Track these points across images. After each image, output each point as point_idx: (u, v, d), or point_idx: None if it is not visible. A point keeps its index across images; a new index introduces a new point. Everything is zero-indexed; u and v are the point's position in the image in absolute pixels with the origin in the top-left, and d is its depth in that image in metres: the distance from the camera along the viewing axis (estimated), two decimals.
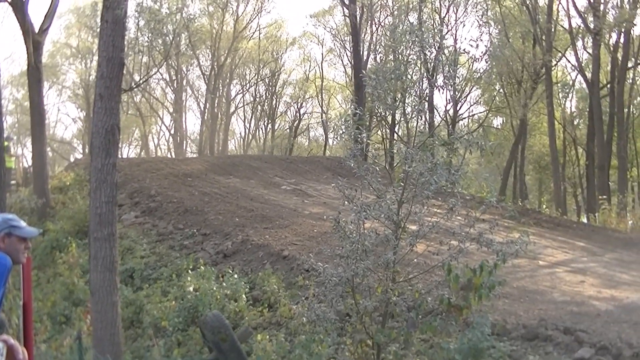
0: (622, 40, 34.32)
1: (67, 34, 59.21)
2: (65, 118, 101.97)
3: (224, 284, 13.30)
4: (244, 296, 13.03)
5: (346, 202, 9.31)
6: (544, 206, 37.93)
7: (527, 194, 41.79)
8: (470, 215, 9.15)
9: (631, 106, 39.30)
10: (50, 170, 32.04)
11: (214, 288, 13.06)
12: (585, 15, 33.40)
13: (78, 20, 56.16)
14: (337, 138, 48.89)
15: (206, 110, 55.62)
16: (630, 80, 37.92)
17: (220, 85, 55.87)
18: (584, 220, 30.69)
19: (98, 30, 14.12)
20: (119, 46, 11.82)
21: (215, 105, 55.23)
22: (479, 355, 8.06)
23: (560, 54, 39.36)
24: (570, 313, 10.44)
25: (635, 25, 33.64)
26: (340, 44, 50.76)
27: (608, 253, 16.90)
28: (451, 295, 8.63)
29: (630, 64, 35.81)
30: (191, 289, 13.35)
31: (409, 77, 9.85)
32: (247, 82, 57.17)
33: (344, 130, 9.61)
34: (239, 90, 58.74)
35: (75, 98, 61.62)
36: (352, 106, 9.81)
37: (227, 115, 57.63)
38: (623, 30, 32.72)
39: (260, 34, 55.35)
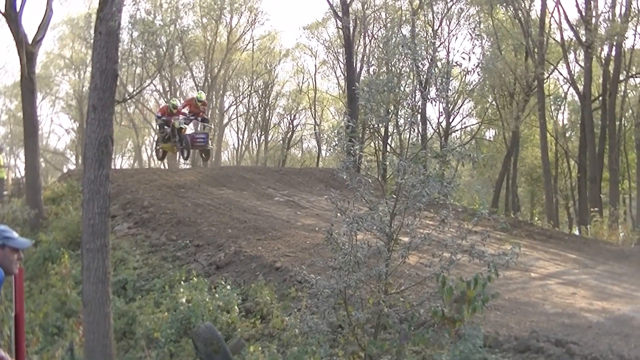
0: (613, 53, 34.49)
1: (61, 45, 59.25)
2: (59, 129, 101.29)
3: (217, 296, 13.29)
4: (236, 308, 13.03)
5: (339, 214, 9.34)
6: (536, 218, 38.02)
7: (519, 206, 41.85)
8: (462, 227, 9.19)
9: (623, 119, 39.41)
10: (43, 181, 31.94)
11: (207, 299, 13.04)
12: (577, 28, 33.55)
13: (72, 31, 56.22)
14: (330, 150, 48.82)
15: None
16: (622, 93, 38.04)
17: (214, 97, 55.82)
18: (576, 232, 30.77)
19: (92, 41, 14.12)
20: (112, 58, 11.84)
21: (209, 116, 55.28)
22: None
23: (552, 67, 39.49)
24: (561, 325, 10.48)
25: (626, 38, 33.79)
26: (334, 55, 50.81)
27: (600, 265, 16.95)
28: (444, 307, 8.66)
29: (621, 77, 35.94)
30: (184, 300, 13.33)
31: (402, 89, 9.90)
32: (241, 93, 57.17)
33: (336, 142, 9.66)
34: (232, 102, 58.74)
35: (68, 109, 61.50)
36: (345, 118, 9.84)
37: (220, 127, 57.58)
38: (614, 43, 32.88)
39: (253, 45, 55.37)
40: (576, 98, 39.86)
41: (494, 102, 42.49)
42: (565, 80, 42.40)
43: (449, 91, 10.90)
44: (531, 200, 47.86)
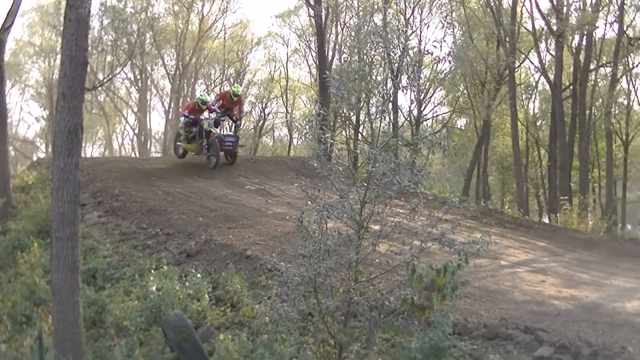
0: (584, 42, 34.71)
1: (31, 32, 58.79)
2: (28, 117, 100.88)
3: (187, 284, 13.25)
4: (206, 296, 12.99)
5: (309, 202, 9.34)
6: (506, 206, 38.36)
7: (490, 195, 42.16)
8: (433, 216, 9.21)
9: (593, 108, 39.69)
10: (13, 170, 31.64)
11: (177, 288, 13.01)
12: (549, 18, 33.79)
13: (41, 18, 55.72)
14: (301, 138, 48.95)
15: (171, 109, 55.36)
16: (592, 82, 38.31)
17: (185, 85, 55.70)
18: (546, 220, 30.94)
19: (61, 28, 13.98)
20: (82, 45, 11.72)
21: (180, 104, 55.05)
22: (440, 355, 8.13)
23: (523, 56, 39.71)
24: (530, 312, 10.55)
25: (597, 27, 34.08)
26: (306, 44, 50.83)
27: (569, 253, 17.09)
28: (414, 295, 8.70)
29: (592, 66, 36.24)
30: (154, 288, 13.28)
31: (374, 77, 9.91)
32: (212, 81, 56.94)
33: (307, 131, 9.64)
34: (204, 90, 58.57)
35: (38, 97, 61.06)
36: (317, 106, 9.84)
37: None
38: (585, 32, 33.10)
39: (225, 33, 55.18)
40: (547, 87, 40.21)
41: (465, 91, 42.69)
42: (536, 69, 42.73)
43: (421, 79, 10.93)
44: (502, 188, 48.23)
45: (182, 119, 26.70)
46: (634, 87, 44.25)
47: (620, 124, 43.55)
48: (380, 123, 11.04)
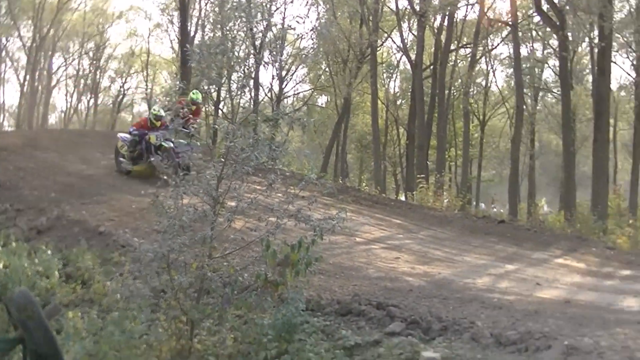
0: (446, 23, 35.54)
1: None
2: None
3: (36, 261, 12.79)
4: (56, 273, 12.55)
5: (165, 177, 9.18)
6: (364, 184, 38.93)
7: (348, 172, 42.78)
8: (290, 192, 9.19)
9: (452, 88, 40.85)
10: None
11: (25, 265, 12.52)
12: None
13: None
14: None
15: (26, 83, 53.63)
16: (452, 63, 39.33)
17: (42, 58, 54.03)
18: (402, 198, 31.63)
19: None
20: None
21: (36, 78, 53.33)
22: (292, 331, 8.12)
23: (386, 35, 40.35)
24: (383, 289, 10.67)
25: (458, 8, 34.97)
26: (168, 19, 50.01)
27: (423, 230, 17.47)
28: (268, 271, 8.66)
29: (452, 47, 37.19)
30: (0, 266, 12.77)
31: (236, 53, 9.80)
32: (71, 55, 55.53)
33: (166, 105, 9.47)
34: (62, 64, 56.91)
35: None
36: (176, 81, 9.67)
37: (47, 89, 55.71)
38: (447, 13, 33.88)
39: (85, 6, 53.82)
40: (408, 66, 41.06)
41: (327, 69, 43.00)
42: (398, 49, 43.62)
43: (283, 56, 10.89)
44: (360, 166, 48.99)
45: (121, 136, 21.50)
46: (492, 68, 45.91)
47: (478, 104, 45.09)
48: (241, 99, 10.93)
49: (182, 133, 17.35)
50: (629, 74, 41.22)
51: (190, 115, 17.79)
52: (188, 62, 11.54)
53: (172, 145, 18.95)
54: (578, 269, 13.83)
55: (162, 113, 20.10)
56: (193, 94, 19.90)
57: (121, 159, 20.92)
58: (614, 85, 37.02)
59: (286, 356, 7.92)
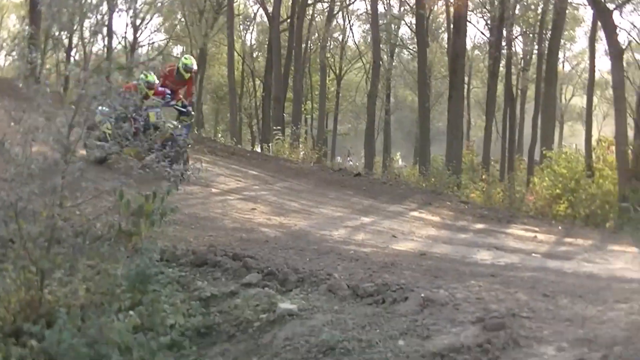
0: None
1: None
2: None
3: None
4: None
5: (12, 124, 8.86)
6: (220, 135, 38.78)
7: (204, 123, 42.43)
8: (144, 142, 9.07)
9: (309, 41, 40.95)
10: None
11: None
12: None
13: None
14: (8, 58, 46.58)
15: None
16: (310, 17, 39.42)
17: None
18: (258, 150, 31.72)
19: None
20: None
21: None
22: (146, 281, 8.05)
23: None
24: (240, 240, 10.70)
25: None
26: None
27: (280, 182, 17.60)
28: (122, 221, 8.55)
29: (310, 1, 37.23)
30: None
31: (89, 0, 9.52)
32: None
33: (14, 49, 9.12)
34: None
35: None
36: (25, 25, 9.30)
37: None
38: None
39: None
40: (265, 19, 40.78)
41: (182, 19, 42.33)
42: (255, 1, 43.21)
43: (137, 3, 10.65)
44: (215, 117, 48.78)
45: (99, 109, 14.04)
46: (349, 23, 46.30)
47: (335, 58, 45.43)
48: (93, 46, 10.64)
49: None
50: (483, 34, 42.54)
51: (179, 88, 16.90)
52: (38, 5, 11.14)
53: (173, 128, 15.74)
54: (433, 222, 14.31)
55: (155, 80, 15.96)
56: (185, 59, 17.48)
57: (97, 142, 13.08)
58: (468, 45, 37.99)
59: (140, 307, 7.83)
